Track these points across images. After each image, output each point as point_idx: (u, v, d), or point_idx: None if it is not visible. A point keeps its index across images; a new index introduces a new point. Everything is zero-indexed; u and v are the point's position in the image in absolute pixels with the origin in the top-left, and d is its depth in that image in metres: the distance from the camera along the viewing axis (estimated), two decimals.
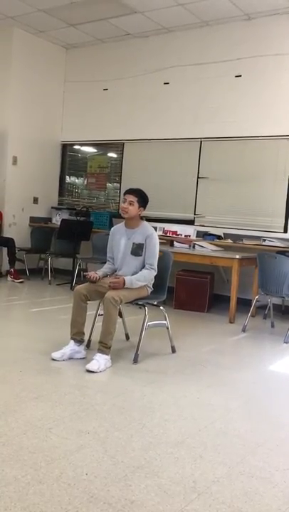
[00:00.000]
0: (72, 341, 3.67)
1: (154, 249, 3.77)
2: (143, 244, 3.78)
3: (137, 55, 7.37)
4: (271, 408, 3.06)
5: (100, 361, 3.46)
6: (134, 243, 3.80)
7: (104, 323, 3.54)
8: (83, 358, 3.65)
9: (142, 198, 3.83)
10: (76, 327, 3.69)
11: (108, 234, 7.13)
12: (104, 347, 3.52)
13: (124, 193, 3.87)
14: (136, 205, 3.78)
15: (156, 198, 6.77)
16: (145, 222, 3.93)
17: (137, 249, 3.78)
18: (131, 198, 3.79)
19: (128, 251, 3.81)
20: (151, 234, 3.81)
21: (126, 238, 3.85)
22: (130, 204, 3.78)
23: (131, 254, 3.80)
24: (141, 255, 3.78)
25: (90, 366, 3.41)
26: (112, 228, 4.06)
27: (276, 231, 6.17)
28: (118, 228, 3.98)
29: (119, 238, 3.89)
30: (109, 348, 3.54)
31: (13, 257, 7.13)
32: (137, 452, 2.31)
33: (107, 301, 3.50)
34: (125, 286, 3.61)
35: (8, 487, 1.94)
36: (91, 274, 3.74)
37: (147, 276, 3.74)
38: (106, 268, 3.92)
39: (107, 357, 3.52)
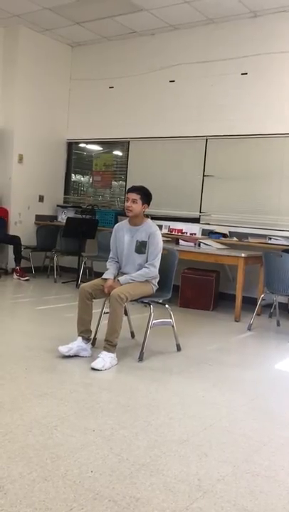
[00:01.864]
0: (80, 338, 3.68)
1: (156, 247, 3.77)
2: (146, 241, 3.78)
3: (142, 53, 7.36)
4: (277, 407, 3.05)
5: (105, 359, 3.46)
6: (137, 241, 3.81)
7: (110, 321, 3.55)
8: (88, 357, 3.66)
9: (145, 195, 3.81)
10: (83, 325, 3.70)
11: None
12: (109, 345, 3.52)
13: (127, 192, 3.86)
14: (139, 202, 3.78)
15: (162, 196, 6.77)
16: (149, 220, 3.92)
17: (141, 247, 3.79)
18: (134, 196, 3.77)
19: (132, 249, 3.82)
20: (154, 231, 3.80)
21: (130, 236, 3.85)
22: (134, 202, 3.77)
23: (135, 252, 3.81)
24: (145, 253, 3.78)
25: (95, 364, 3.42)
26: (116, 225, 4.04)
27: (282, 229, 6.15)
28: (121, 225, 3.97)
29: (122, 235, 3.89)
30: (115, 346, 3.54)
31: (19, 255, 7.15)
32: (142, 450, 2.32)
33: (113, 299, 3.51)
34: (120, 283, 3.66)
35: (13, 484, 1.95)
36: (108, 288, 3.68)
37: (144, 275, 3.74)
38: (112, 268, 3.89)
39: (113, 355, 3.53)
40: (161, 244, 3.82)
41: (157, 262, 3.78)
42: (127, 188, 7.54)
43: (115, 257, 3.94)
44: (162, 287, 3.94)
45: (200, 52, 6.82)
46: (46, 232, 7.60)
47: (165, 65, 7.14)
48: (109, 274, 3.81)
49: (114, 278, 3.77)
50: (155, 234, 3.79)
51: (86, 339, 3.70)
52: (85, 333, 3.69)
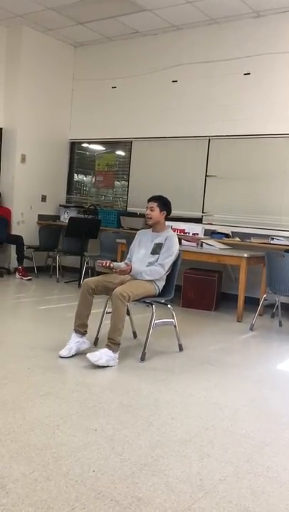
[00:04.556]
0: (74, 334, 3.71)
1: (168, 249, 3.88)
2: (162, 243, 3.91)
3: (145, 53, 7.37)
4: (279, 407, 3.05)
5: (101, 355, 3.46)
6: (155, 243, 3.94)
7: (113, 319, 3.57)
8: (89, 347, 3.74)
9: (162, 202, 4.00)
10: (81, 319, 3.73)
11: (116, 232, 7.21)
12: (112, 343, 3.53)
13: (147, 202, 4.04)
14: (157, 209, 3.96)
15: (164, 196, 6.77)
16: (170, 229, 4.11)
17: (156, 248, 3.92)
18: (151, 204, 3.98)
19: (149, 251, 3.95)
20: (171, 235, 3.96)
21: (150, 241, 4.00)
22: (151, 210, 3.96)
23: (150, 253, 3.93)
24: (158, 253, 3.89)
25: (91, 356, 3.43)
26: (140, 230, 4.23)
27: (284, 229, 6.14)
28: (144, 232, 4.16)
29: (144, 240, 4.04)
30: (118, 344, 3.54)
31: (21, 255, 7.17)
32: (144, 450, 2.32)
33: (115, 297, 3.52)
34: (131, 273, 3.76)
35: (15, 483, 1.95)
36: (106, 261, 3.82)
37: (154, 272, 3.80)
38: (121, 263, 4.04)
39: (114, 355, 3.52)
40: (175, 248, 3.91)
41: (167, 264, 3.86)
42: (129, 188, 7.63)
43: (131, 258, 4.06)
44: (165, 287, 3.95)
45: (203, 52, 6.81)
46: (49, 232, 7.61)
47: (168, 65, 7.14)
48: (117, 264, 3.95)
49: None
50: (172, 238, 3.95)
51: (81, 333, 3.72)
52: (80, 327, 3.72)
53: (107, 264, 3.80)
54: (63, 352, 3.61)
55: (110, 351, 3.51)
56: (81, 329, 3.71)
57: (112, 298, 3.57)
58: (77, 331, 3.71)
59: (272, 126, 6.24)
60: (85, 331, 3.75)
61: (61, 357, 3.59)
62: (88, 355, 3.45)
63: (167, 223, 4.23)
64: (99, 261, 3.87)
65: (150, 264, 3.86)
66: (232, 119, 6.54)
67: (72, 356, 3.62)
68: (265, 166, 6.36)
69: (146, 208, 4.00)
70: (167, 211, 4.01)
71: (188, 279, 5.98)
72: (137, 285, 3.70)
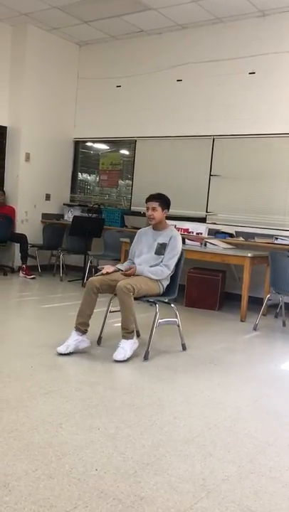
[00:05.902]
0: (74, 332, 3.71)
1: (173, 249, 3.88)
2: (166, 243, 3.89)
3: (150, 52, 7.36)
4: (282, 407, 3.05)
5: (124, 348, 3.54)
6: (158, 243, 3.92)
7: (122, 312, 3.62)
8: (89, 346, 3.75)
9: (163, 201, 3.96)
10: (82, 317, 3.74)
11: (119, 231, 7.20)
12: (127, 332, 3.60)
13: (146, 201, 3.98)
14: (159, 209, 3.92)
15: (168, 195, 6.71)
16: (172, 226, 4.09)
17: (161, 249, 3.91)
18: (153, 204, 3.92)
19: (152, 251, 3.93)
20: (175, 235, 3.94)
21: (152, 240, 3.98)
22: (154, 210, 3.91)
23: (155, 254, 3.91)
24: (163, 254, 3.89)
25: (116, 356, 3.51)
26: (140, 230, 4.19)
27: (288, 229, 6.13)
28: (145, 230, 4.12)
29: (145, 239, 4.02)
30: (132, 332, 3.62)
31: (25, 254, 7.18)
32: (146, 449, 2.32)
33: (120, 290, 3.56)
34: (136, 273, 3.76)
35: (18, 481, 1.96)
36: (106, 267, 3.85)
37: (159, 273, 3.81)
38: (126, 264, 4.04)
39: (132, 340, 3.60)
40: (179, 248, 3.91)
41: (172, 265, 3.87)
42: (133, 187, 7.62)
43: (133, 259, 4.05)
44: (168, 286, 3.95)
45: (207, 51, 6.80)
46: (53, 231, 7.62)
47: (172, 64, 7.13)
48: (120, 265, 3.96)
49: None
50: (176, 237, 3.93)
51: (82, 332, 3.72)
52: (82, 325, 3.72)
53: (110, 271, 3.82)
54: (61, 348, 3.62)
55: (129, 340, 3.59)
56: (82, 327, 3.72)
57: (117, 292, 3.59)
58: (77, 329, 3.71)
59: (276, 126, 6.22)
60: (86, 330, 3.75)
61: (59, 353, 3.59)
62: (114, 356, 3.51)
63: (171, 223, 4.23)
64: (101, 266, 3.90)
65: (155, 265, 3.86)
66: (236, 119, 6.53)
67: (72, 354, 3.62)
68: (269, 165, 6.35)
69: (148, 208, 3.93)
70: (168, 209, 3.99)
71: (192, 279, 5.97)
72: (141, 280, 3.72)
